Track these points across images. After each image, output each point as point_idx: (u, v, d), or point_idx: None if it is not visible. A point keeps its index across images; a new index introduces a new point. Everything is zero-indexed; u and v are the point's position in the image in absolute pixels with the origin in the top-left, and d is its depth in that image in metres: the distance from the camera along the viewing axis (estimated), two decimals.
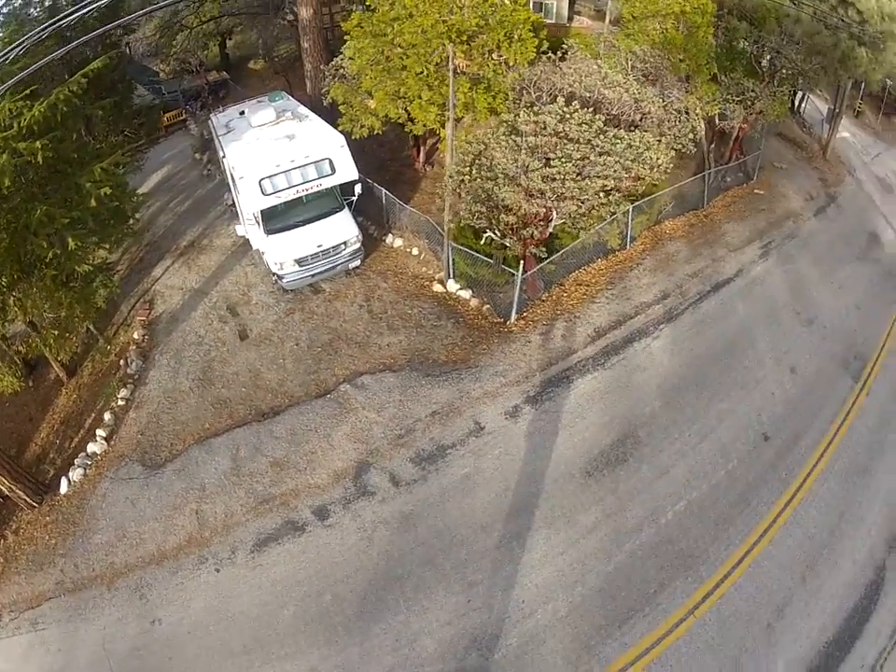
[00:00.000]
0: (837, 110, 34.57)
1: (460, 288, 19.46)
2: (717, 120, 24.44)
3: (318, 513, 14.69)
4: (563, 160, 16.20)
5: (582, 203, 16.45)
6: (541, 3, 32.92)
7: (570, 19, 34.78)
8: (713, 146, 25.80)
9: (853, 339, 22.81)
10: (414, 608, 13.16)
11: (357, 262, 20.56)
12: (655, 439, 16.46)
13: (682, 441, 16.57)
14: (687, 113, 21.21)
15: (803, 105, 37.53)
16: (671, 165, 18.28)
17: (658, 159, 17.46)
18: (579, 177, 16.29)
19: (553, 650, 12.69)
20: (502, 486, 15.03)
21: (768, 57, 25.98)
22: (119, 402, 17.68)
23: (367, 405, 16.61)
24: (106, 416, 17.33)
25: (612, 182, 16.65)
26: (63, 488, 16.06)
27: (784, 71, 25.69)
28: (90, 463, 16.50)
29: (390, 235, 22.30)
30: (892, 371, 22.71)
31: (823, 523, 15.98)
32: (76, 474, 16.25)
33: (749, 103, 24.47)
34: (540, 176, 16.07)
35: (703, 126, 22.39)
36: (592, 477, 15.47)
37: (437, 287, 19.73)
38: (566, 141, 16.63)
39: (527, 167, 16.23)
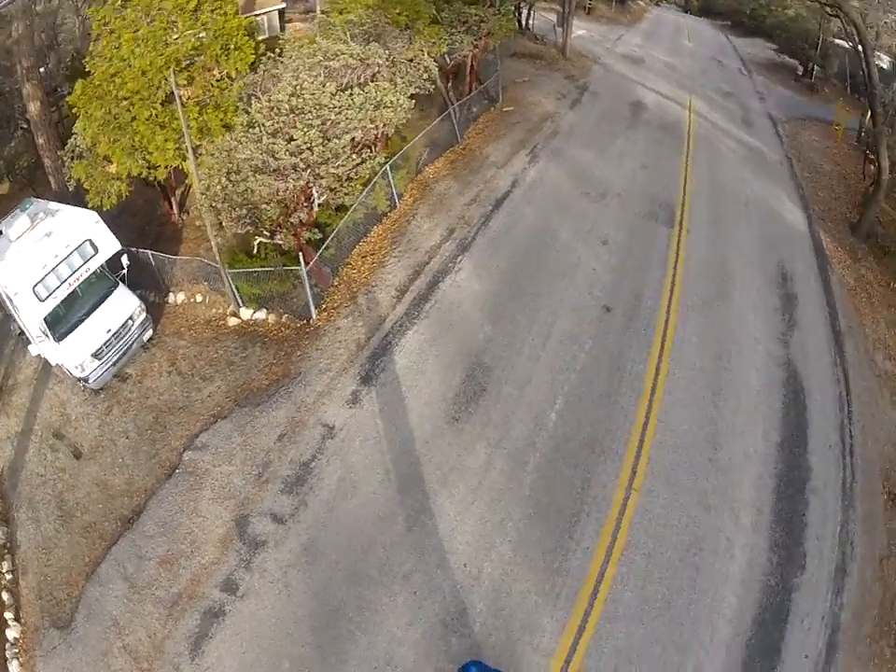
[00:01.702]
0: (568, 11, 35.15)
1: (254, 312, 17.72)
2: (447, 59, 23.54)
3: (228, 589, 12.60)
4: (305, 130, 14.92)
5: (338, 167, 15.16)
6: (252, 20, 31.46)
7: (283, 28, 33.46)
8: (450, 83, 24.93)
9: (652, 194, 23.07)
10: (369, 627, 11.46)
11: (150, 332, 18.55)
12: (502, 358, 15.45)
13: (529, 348, 15.69)
14: (412, 61, 20.30)
15: (531, 21, 37.71)
16: (412, 106, 17.51)
17: (399, 100, 16.67)
18: (326, 141, 15.03)
19: (523, 588, 11.60)
20: (381, 472, 13.47)
21: None
22: (7, 577, 14.98)
23: (216, 461, 14.66)
24: (4, 596, 14.67)
25: (360, 134, 15.58)
26: None
27: None
28: (17, 650, 13.73)
29: (170, 294, 20.17)
30: (701, 206, 23.25)
31: (707, 349, 16.26)
32: (13, 667, 13.51)
33: (476, 28, 23.88)
34: (287, 151, 14.69)
35: (435, 67, 21.44)
36: (459, 420, 14.18)
37: (232, 321, 17.87)
38: (304, 114, 15.39)
39: (273, 151, 14.82)
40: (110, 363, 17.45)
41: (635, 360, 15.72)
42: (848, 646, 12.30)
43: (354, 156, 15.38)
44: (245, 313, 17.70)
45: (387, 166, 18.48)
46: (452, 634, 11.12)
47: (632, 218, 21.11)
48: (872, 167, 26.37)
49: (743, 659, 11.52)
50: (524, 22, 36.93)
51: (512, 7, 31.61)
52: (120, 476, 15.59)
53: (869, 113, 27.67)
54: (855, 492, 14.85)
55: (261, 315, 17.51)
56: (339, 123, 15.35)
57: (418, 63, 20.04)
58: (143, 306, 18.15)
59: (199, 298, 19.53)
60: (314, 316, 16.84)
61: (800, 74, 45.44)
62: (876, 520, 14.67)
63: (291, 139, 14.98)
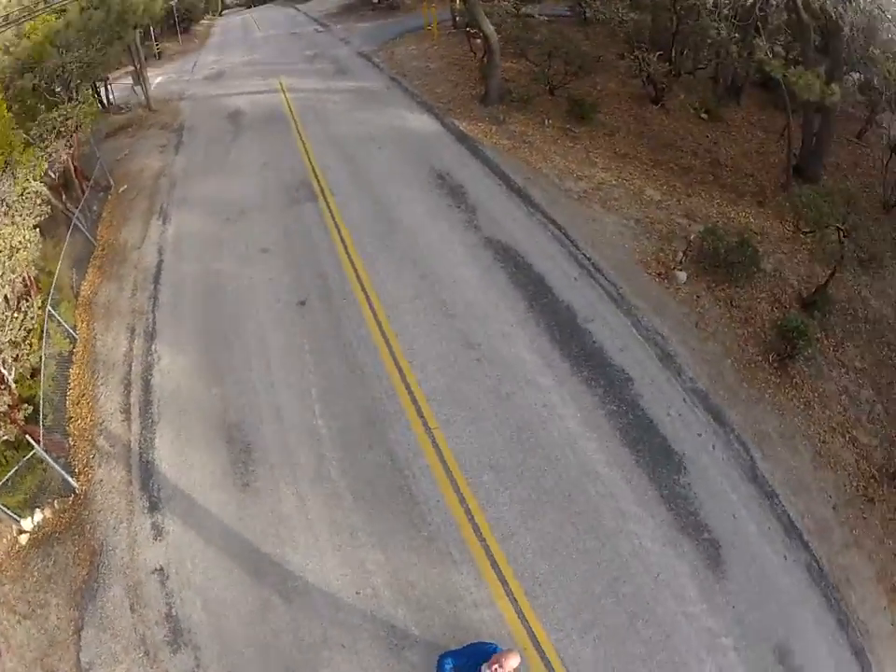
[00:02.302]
0: (140, 66, 35.16)
1: (31, 518, 15.36)
2: (51, 174, 22.22)
3: None
4: None
5: (7, 333, 14.36)
6: None
7: None
8: (64, 195, 23.48)
9: (284, 182, 23.50)
10: None
11: None
12: (245, 407, 15.09)
13: (260, 382, 15.45)
14: (22, 194, 19.11)
15: (111, 95, 36.56)
16: (40, 238, 17.10)
17: (26, 236, 16.43)
18: None
19: (418, 573, 11.53)
20: (226, 574, 12.62)
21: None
22: None
23: (108, 669, 12.63)
24: None
25: (9, 289, 15.03)
26: None
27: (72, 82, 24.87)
28: None
29: None
30: (333, 168, 24.07)
31: (408, 278, 17.21)
32: None
33: (64, 129, 22.66)
34: None
35: (44, 188, 20.11)
36: (250, 483, 13.63)
37: (23, 539, 15.34)
38: None
39: None
40: None
41: (354, 327, 16.20)
42: (725, 393, 14.16)
43: (16, 315, 14.60)
44: (26, 524, 16.00)
45: (48, 307, 17.35)
46: (402, 650, 10.97)
47: (277, 215, 21.50)
48: (478, 41, 28.63)
49: (647, 474, 12.48)
50: (105, 101, 35.76)
51: (89, 91, 30.62)
52: None
53: None
54: (626, 296, 16.38)
55: (38, 516, 16.06)
56: None
57: (29, 193, 19.07)
58: None
59: None
60: (76, 486, 15.60)
61: (376, 1, 47.74)
62: (666, 303, 16.36)
63: None
